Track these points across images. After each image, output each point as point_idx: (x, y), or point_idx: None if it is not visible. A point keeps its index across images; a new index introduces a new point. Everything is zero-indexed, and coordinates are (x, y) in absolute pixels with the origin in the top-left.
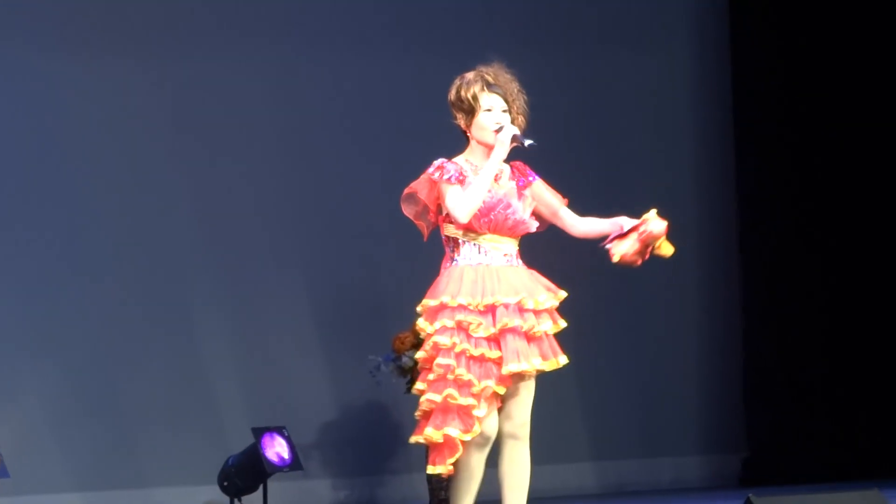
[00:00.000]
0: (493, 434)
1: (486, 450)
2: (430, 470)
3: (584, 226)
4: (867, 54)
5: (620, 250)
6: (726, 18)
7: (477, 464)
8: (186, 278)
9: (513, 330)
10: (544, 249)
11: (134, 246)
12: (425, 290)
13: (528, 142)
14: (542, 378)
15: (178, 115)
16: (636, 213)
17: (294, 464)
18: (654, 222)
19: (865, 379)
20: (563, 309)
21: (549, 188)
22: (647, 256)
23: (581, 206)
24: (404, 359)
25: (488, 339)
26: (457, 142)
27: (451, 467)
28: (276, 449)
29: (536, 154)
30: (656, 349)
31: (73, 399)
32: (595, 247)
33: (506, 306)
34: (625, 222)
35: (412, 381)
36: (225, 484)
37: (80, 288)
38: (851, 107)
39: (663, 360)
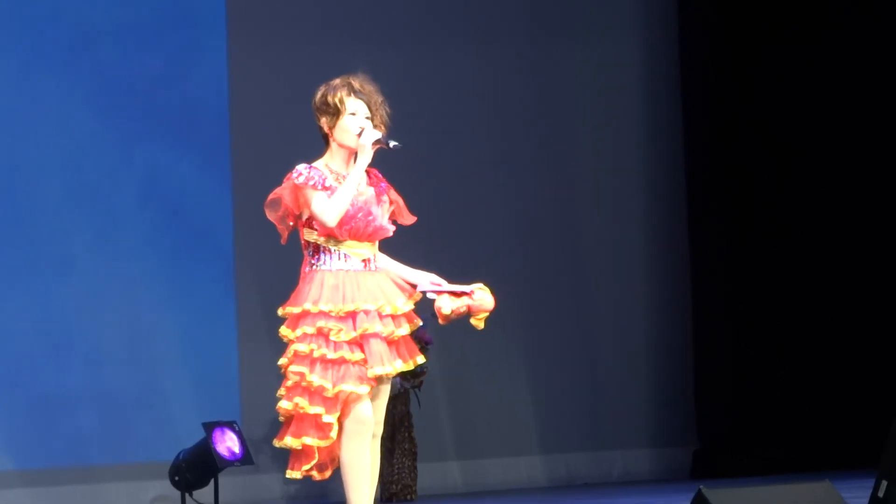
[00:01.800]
0: (370, 419)
1: (367, 436)
2: (289, 474)
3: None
4: (817, 44)
5: (451, 306)
6: (674, 8)
7: (361, 452)
8: (134, 270)
9: (375, 335)
10: (498, 241)
11: (82, 236)
12: None
13: (392, 143)
14: (493, 371)
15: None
16: (584, 208)
17: (245, 458)
18: (487, 297)
19: (816, 372)
20: (518, 304)
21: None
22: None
23: (533, 199)
24: None
25: (349, 342)
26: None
27: (306, 472)
28: (227, 443)
29: (483, 146)
30: (606, 342)
31: (19, 392)
32: (548, 244)
33: (366, 312)
34: (439, 282)
35: None
36: (176, 478)
37: (26, 279)
38: (802, 98)
39: (613, 353)
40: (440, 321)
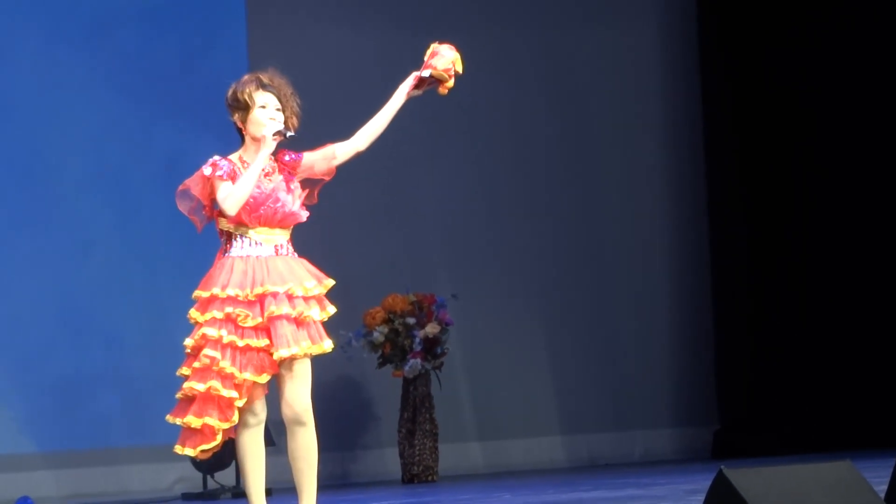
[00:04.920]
0: (262, 415)
1: (259, 429)
2: (179, 450)
3: (361, 137)
4: (838, 28)
5: (443, 64)
6: None
7: (252, 444)
8: (155, 252)
9: (280, 317)
10: (520, 225)
11: (103, 218)
12: (391, 271)
13: (289, 133)
14: (515, 352)
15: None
16: (605, 192)
17: (266, 439)
18: (445, 46)
19: (836, 352)
20: (539, 284)
21: (314, 151)
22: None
23: (553, 184)
24: (375, 334)
25: (256, 328)
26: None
27: (202, 452)
28: None
29: (502, 132)
30: (627, 323)
31: (41, 375)
32: (573, 224)
33: (274, 295)
34: (407, 82)
35: (383, 357)
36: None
37: (47, 262)
38: (824, 85)
39: (634, 334)
40: (447, 83)
